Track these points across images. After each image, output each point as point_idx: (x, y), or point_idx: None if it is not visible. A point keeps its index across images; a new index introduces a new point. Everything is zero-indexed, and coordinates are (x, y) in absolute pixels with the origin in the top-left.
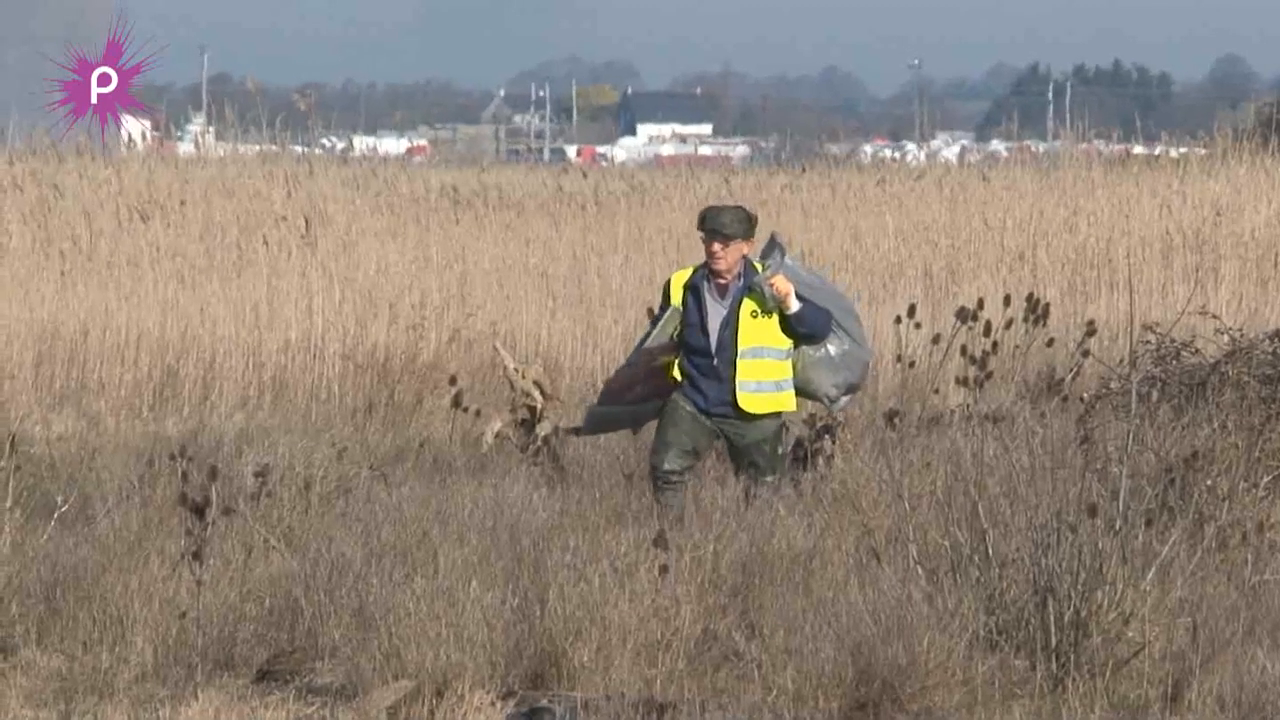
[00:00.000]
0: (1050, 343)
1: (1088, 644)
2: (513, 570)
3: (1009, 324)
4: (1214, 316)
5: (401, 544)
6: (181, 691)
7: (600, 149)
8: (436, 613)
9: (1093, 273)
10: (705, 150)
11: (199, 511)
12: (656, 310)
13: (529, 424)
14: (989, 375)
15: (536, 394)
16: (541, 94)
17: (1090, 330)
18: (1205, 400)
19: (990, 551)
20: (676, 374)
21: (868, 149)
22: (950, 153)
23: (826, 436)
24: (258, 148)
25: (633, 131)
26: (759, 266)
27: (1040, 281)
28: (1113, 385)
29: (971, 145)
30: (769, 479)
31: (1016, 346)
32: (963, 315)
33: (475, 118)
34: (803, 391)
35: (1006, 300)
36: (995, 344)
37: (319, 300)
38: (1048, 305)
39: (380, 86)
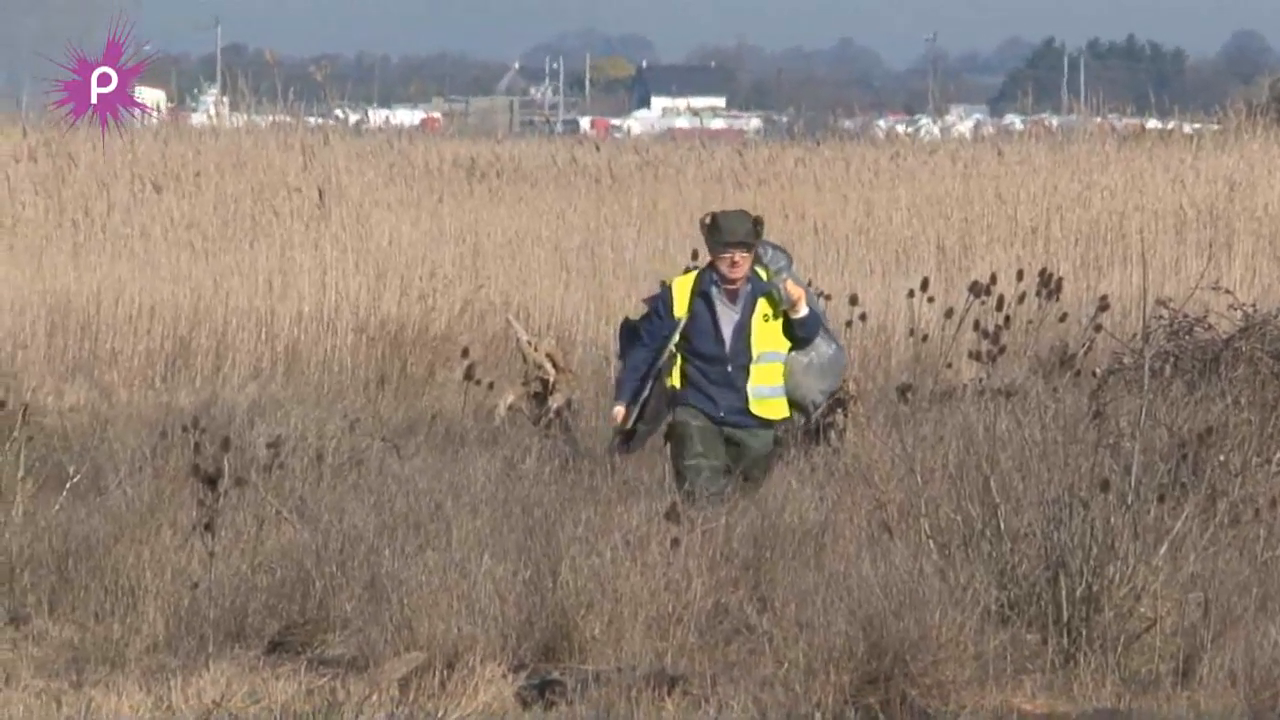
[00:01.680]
0: (1063, 317)
1: (1099, 619)
2: (524, 543)
3: (1022, 298)
4: (1227, 291)
5: (413, 516)
6: (193, 662)
7: (614, 121)
8: (448, 585)
9: (1106, 247)
10: (718, 123)
11: (211, 483)
12: (654, 312)
13: (541, 397)
14: (1002, 350)
15: (549, 367)
16: (555, 66)
17: (1103, 305)
18: (1218, 376)
19: (1002, 526)
20: (675, 380)
21: (882, 123)
22: (964, 127)
23: (839, 410)
24: (272, 119)
25: (647, 104)
26: (762, 270)
27: (1053, 256)
28: (1125, 360)
29: (986, 119)
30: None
31: (1029, 321)
32: (975, 289)
33: (490, 90)
34: (789, 397)
35: (1019, 274)
36: (1008, 318)
37: (332, 272)
38: (1060, 280)
39: (394, 58)
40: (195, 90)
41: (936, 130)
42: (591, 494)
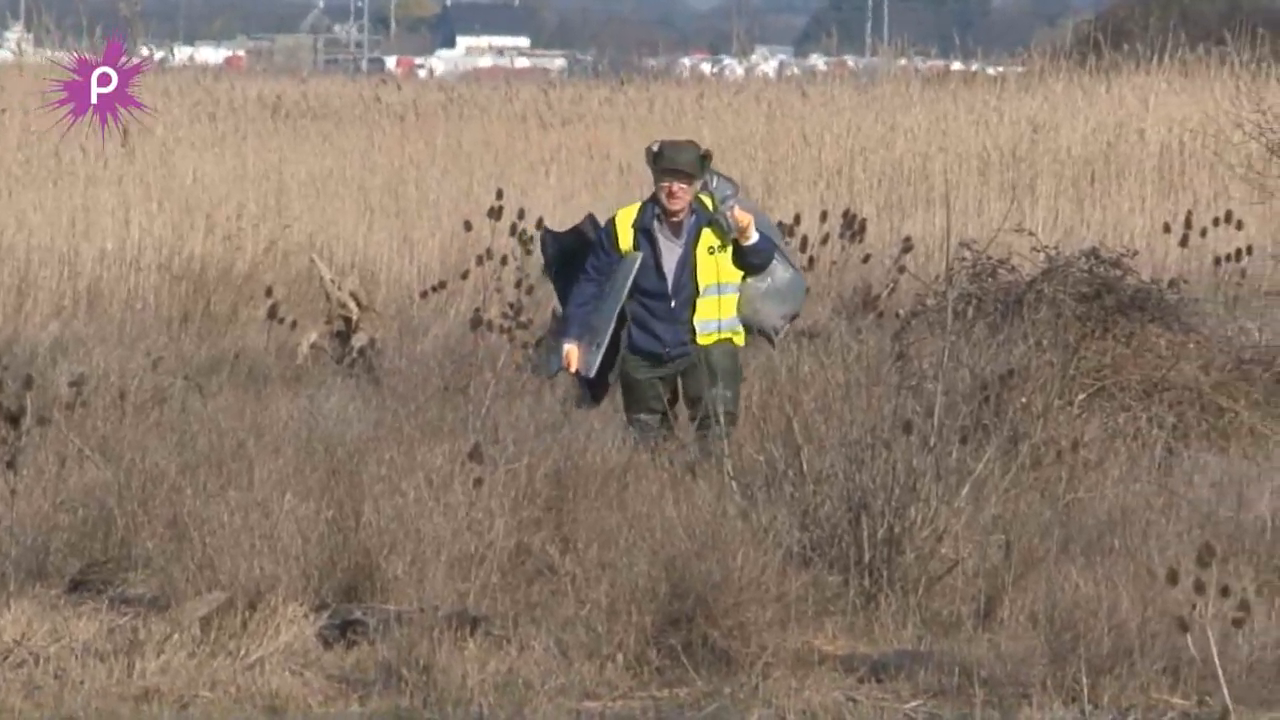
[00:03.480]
0: (866, 259)
1: (901, 560)
2: (327, 482)
3: (825, 239)
4: (1030, 234)
5: (216, 455)
6: None
7: (418, 60)
8: (250, 524)
9: (910, 189)
10: (523, 63)
11: (13, 421)
12: (599, 245)
13: (345, 335)
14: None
15: (352, 305)
16: (360, 4)
17: (907, 246)
18: (1021, 318)
19: (805, 467)
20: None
21: (686, 62)
22: (769, 67)
23: None
24: (76, 56)
25: (451, 44)
26: (707, 199)
27: (857, 197)
28: (929, 302)
29: (790, 60)
30: (724, 411)
31: (833, 262)
32: (780, 230)
33: (294, 28)
34: (748, 325)
35: (823, 216)
36: (812, 259)
37: (136, 211)
38: (864, 221)
39: None
40: None
41: (741, 71)
42: (395, 433)
